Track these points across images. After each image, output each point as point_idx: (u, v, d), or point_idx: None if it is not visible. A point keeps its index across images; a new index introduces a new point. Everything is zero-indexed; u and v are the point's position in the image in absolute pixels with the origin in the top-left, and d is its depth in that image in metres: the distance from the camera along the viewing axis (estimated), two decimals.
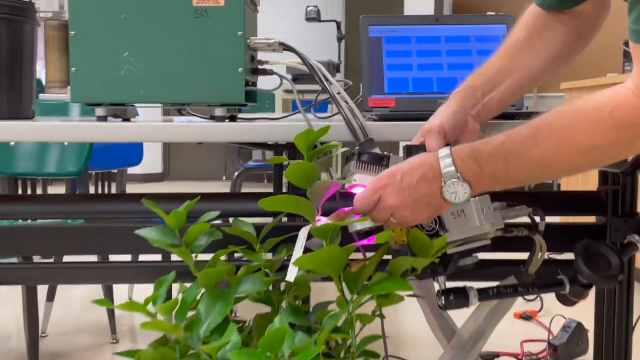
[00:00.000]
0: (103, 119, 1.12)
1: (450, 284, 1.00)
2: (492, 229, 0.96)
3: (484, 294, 1.00)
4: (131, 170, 7.95)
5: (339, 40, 5.07)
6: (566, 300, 1.07)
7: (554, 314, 2.32)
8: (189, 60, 1.11)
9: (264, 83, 1.23)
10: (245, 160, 4.53)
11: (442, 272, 0.95)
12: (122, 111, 1.17)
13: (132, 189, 2.77)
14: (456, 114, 0.98)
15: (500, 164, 0.85)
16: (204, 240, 1.01)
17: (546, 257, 1.11)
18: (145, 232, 0.97)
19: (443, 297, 0.97)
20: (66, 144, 2.09)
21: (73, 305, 2.81)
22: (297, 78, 5.18)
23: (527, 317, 2.65)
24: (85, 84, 1.11)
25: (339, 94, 1.09)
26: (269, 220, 1.14)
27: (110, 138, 1.14)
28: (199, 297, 0.94)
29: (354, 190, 0.98)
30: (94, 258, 2.08)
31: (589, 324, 1.38)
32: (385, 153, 0.98)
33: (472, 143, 0.88)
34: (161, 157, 7.58)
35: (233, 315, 2.18)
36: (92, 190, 2.58)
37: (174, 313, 0.91)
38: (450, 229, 0.93)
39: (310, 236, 0.92)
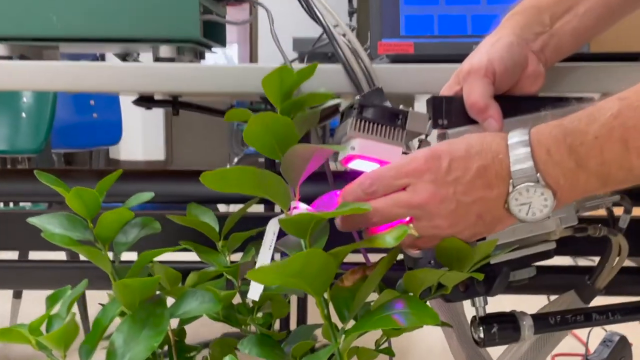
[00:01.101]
0: (6, 58, 0.81)
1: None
2: (559, 227, 0.63)
3: (541, 324, 0.68)
4: (132, 157, 7.62)
5: (350, 14, 4.74)
6: None
7: None
8: None
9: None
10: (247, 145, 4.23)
11: (482, 290, 0.62)
12: (35, 51, 0.85)
13: None
14: (512, 46, 0.64)
15: (616, 151, 0.51)
16: (133, 234, 0.69)
17: None
18: (42, 220, 0.65)
19: (482, 328, 0.65)
20: (23, 115, 1.78)
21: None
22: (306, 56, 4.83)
23: None
24: None
25: (337, 28, 0.77)
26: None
27: None
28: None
29: (350, 165, 0.66)
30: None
31: (633, 337, 1.12)
32: (402, 107, 0.65)
33: (563, 119, 0.54)
34: (163, 143, 7.30)
35: None
36: None
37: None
38: None
39: (283, 232, 0.61)
